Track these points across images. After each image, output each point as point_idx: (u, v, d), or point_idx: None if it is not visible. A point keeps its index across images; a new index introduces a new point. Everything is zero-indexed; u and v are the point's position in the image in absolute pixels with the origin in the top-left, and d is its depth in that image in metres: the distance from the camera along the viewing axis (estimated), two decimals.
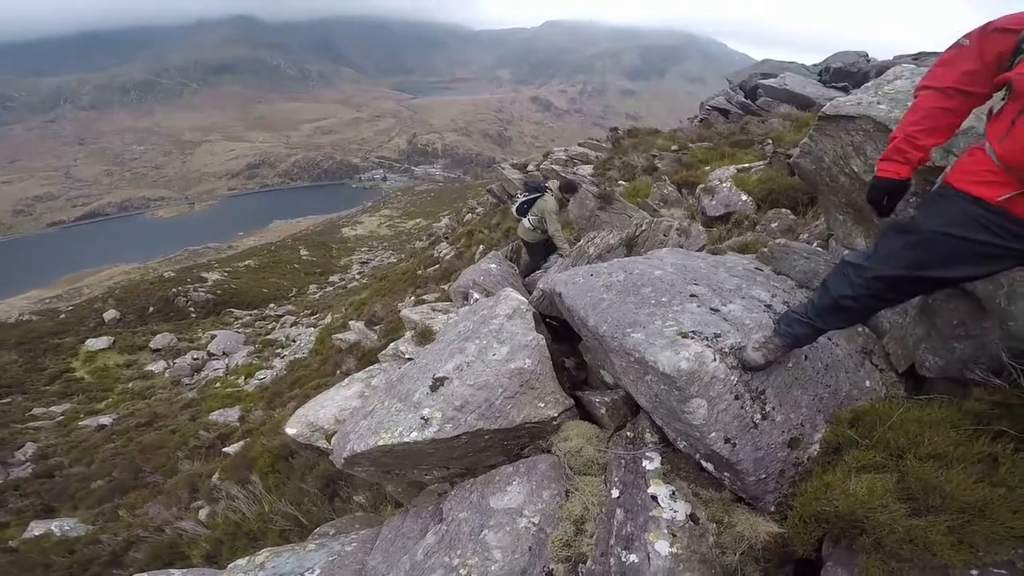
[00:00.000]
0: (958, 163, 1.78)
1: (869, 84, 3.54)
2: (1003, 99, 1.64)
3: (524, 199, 6.70)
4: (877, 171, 1.91)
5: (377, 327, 11.25)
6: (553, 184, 7.08)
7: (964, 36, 1.66)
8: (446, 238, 23.50)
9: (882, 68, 12.28)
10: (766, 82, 13.64)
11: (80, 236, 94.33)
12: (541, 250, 6.63)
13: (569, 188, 6.63)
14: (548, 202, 6.34)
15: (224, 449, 9.52)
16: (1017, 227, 1.58)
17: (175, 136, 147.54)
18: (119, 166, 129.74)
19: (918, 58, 13.92)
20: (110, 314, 28.69)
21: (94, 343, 24.49)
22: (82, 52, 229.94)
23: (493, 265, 5.15)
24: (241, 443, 8.99)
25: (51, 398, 20.06)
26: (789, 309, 2.13)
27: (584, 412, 2.87)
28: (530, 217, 6.55)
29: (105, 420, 17.10)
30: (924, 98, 1.76)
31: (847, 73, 14.09)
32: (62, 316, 30.89)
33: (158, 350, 23.77)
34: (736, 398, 2.05)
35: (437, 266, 16.08)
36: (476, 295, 4.36)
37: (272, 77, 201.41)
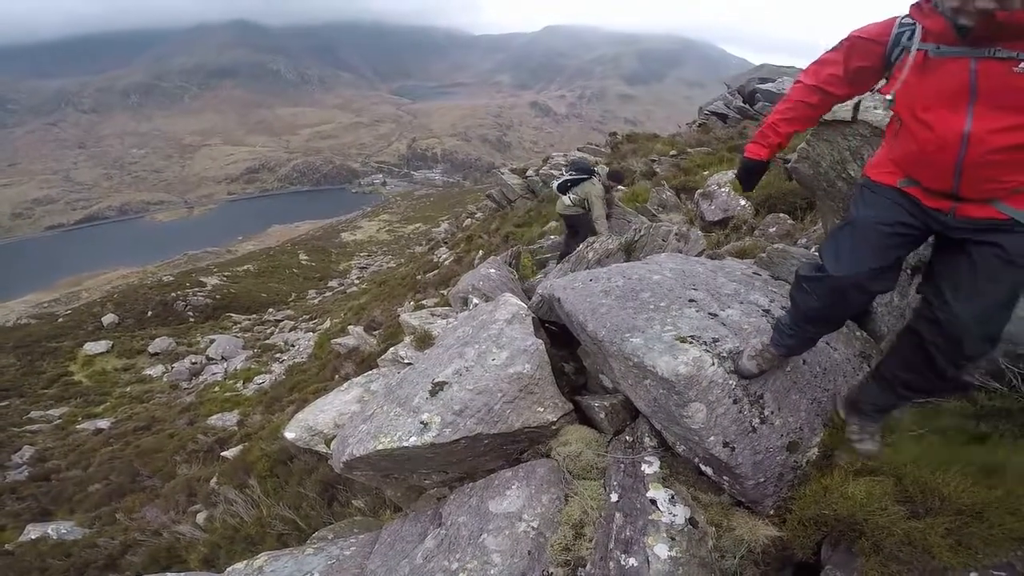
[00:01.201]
0: (871, 159, 1.92)
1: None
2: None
3: (568, 178, 6.69)
4: (744, 152, 2.08)
5: (376, 332, 11.25)
6: (602, 169, 7.07)
7: (843, 39, 1.78)
8: (445, 243, 23.52)
9: None
10: (764, 87, 13.70)
11: (79, 239, 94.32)
12: (578, 222, 6.62)
13: (616, 177, 6.66)
14: (596, 187, 6.37)
15: (222, 453, 9.51)
16: (915, 208, 1.69)
17: (175, 140, 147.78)
18: (119, 169, 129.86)
19: None
20: (108, 318, 28.64)
21: (92, 347, 24.45)
22: (83, 55, 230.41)
23: (492, 270, 5.16)
24: (239, 447, 8.97)
25: (49, 401, 20.03)
26: (779, 319, 2.14)
27: (583, 416, 2.87)
28: (571, 196, 6.57)
29: (103, 424, 17.06)
30: (795, 91, 1.93)
31: None
32: (60, 320, 30.84)
33: (156, 354, 23.74)
34: (735, 402, 2.06)
35: (436, 271, 16.07)
36: (475, 300, 4.36)
37: (272, 82, 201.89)
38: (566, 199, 6.63)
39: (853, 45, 1.73)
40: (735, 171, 2.17)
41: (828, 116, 3.36)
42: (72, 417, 18.27)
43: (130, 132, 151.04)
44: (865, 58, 1.71)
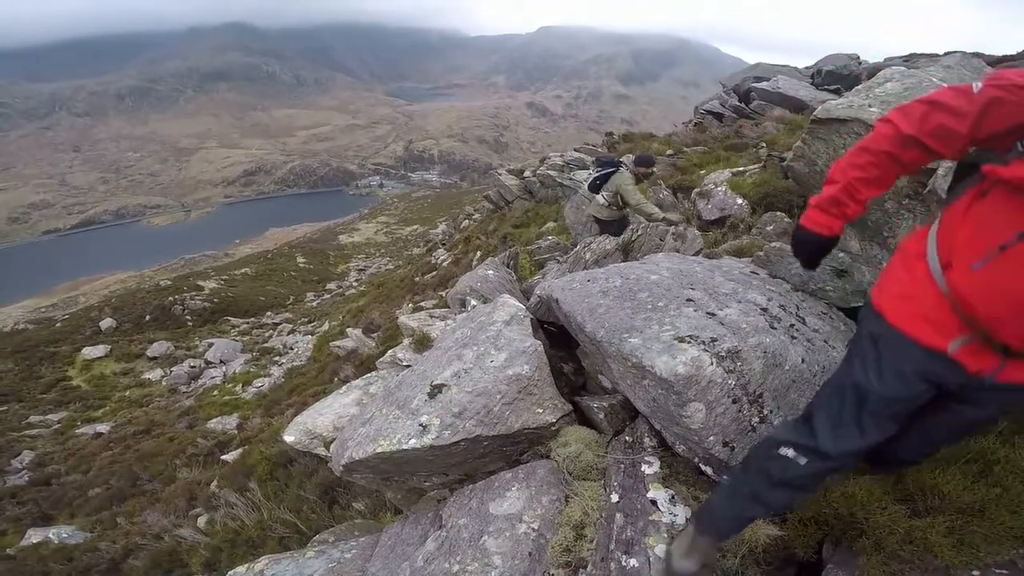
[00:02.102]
0: (891, 275, 1.42)
1: (860, 87, 3.58)
2: (965, 184, 1.30)
3: (596, 175, 6.24)
4: (806, 220, 1.52)
5: (375, 334, 11.24)
6: (628, 159, 6.64)
7: (981, 82, 1.20)
8: (443, 244, 23.51)
9: (873, 70, 12.31)
10: (759, 85, 13.67)
11: (76, 244, 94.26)
12: (615, 228, 6.05)
13: (645, 162, 6.12)
14: (624, 177, 5.90)
15: (222, 457, 9.49)
16: (950, 371, 1.29)
17: (171, 143, 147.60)
18: (114, 173, 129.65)
19: (909, 59, 13.99)
20: (106, 323, 28.57)
21: (90, 351, 24.40)
22: (77, 58, 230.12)
23: (490, 271, 5.16)
24: (239, 451, 8.97)
25: (48, 406, 20.00)
26: (707, 500, 1.77)
27: (583, 417, 2.87)
28: (604, 194, 6.12)
29: (102, 428, 17.05)
30: (882, 139, 1.34)
31: (839, 76, 14.12)
32: (58, 325, 30.74)
33: (155, 358, 23.68)
34: (734, 401, 2.06)
35: (434, 273, 16.08)
36: (474, 302, 4.36)
37: (268, 84, 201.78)
38: (599, 199, 6.19)
39: (1002, 99, 1.15)
40: (791, 246, 1.62)
41: (822, 114, 3.37)
42: (71, 422, 18.25)
43: (125, 136, 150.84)
44: (1012, 119, 1.15)
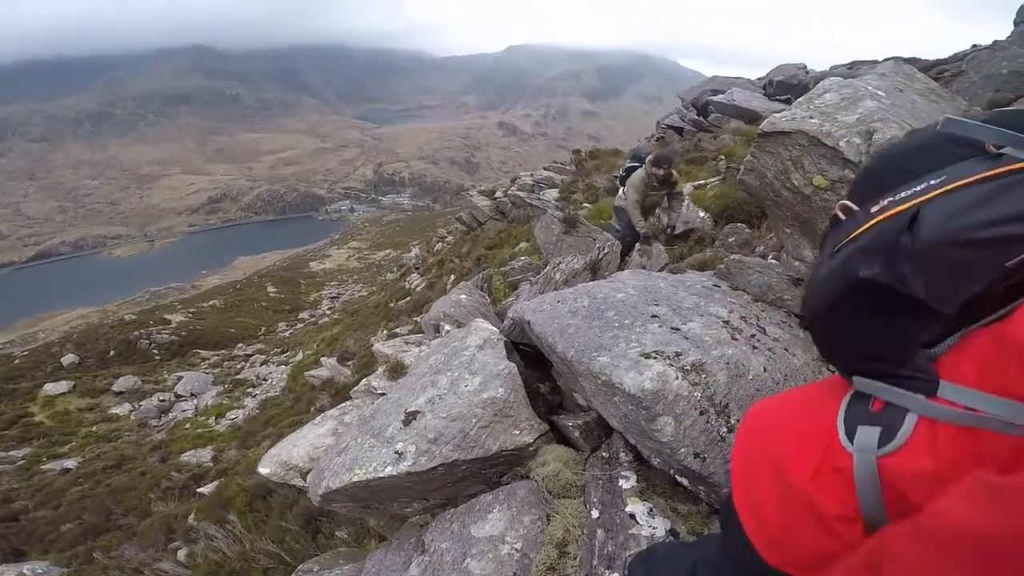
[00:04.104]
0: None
1: (801, 99, 3.75)
2: None
3: (624, 169, 6.39)
4: None
5: (350, 362, 11.12)
6: (651, 156, 6.37)
7: None
8: (417, 269, 23.44)
9: (819, 78, 12.82)
10: (715, 98, 13.93)
11: (33, 278, 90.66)
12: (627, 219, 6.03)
13: (661, 162, 5.77)
14: (636, 176, 5.86)
15: (198, 489, 9.38)
16: None
17: (132, 170, 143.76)
18: (72, 202, 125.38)
19: (852, 67, 14.67)
20: (68, 358, 27.71)
21: (53, 387, 23.66)
22: (32, 81, 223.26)
23: (463, 296, 5.19)
24: (216, 483, 8.84)
25: (10, 443, 19.32)
26: None
27: (560, 436, 2.91)
28: (622, 189, 6.29)
29: (70, 464, 16.62)
30: None
31: (789, 85, 14.57)
32: (16, 361, 29.55)
33: (121, 393, 23.06)
34: (701, 413, 2.13)
35: (409, 298, 16.00)
36: (447, 327, 4.39)
37: (231, 107, 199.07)
38: (620, 193, 6.40)
39: None
40: None
41: (767, 128, 3.53)
42: (36, 457, 17.72)
43: (84, 162, 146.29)
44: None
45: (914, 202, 0.83)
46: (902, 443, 0.80)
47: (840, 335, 0.95)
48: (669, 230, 5.75)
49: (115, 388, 23.42)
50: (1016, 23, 6.31)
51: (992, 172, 0.79)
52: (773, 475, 0.98)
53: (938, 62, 11.51)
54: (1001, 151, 0.82)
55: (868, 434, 0.85)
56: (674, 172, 5.64)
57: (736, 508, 1.04)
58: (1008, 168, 0.79)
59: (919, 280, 0.78)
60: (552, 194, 13.02)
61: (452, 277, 13.37)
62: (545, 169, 17.98)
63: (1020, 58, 5.38)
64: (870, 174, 1.04)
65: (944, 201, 0.80)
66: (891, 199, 0.88)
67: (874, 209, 0.90)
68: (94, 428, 20.24)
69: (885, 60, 11.36)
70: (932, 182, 0.84)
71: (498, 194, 18.46)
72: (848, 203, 0.98)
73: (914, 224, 0.80)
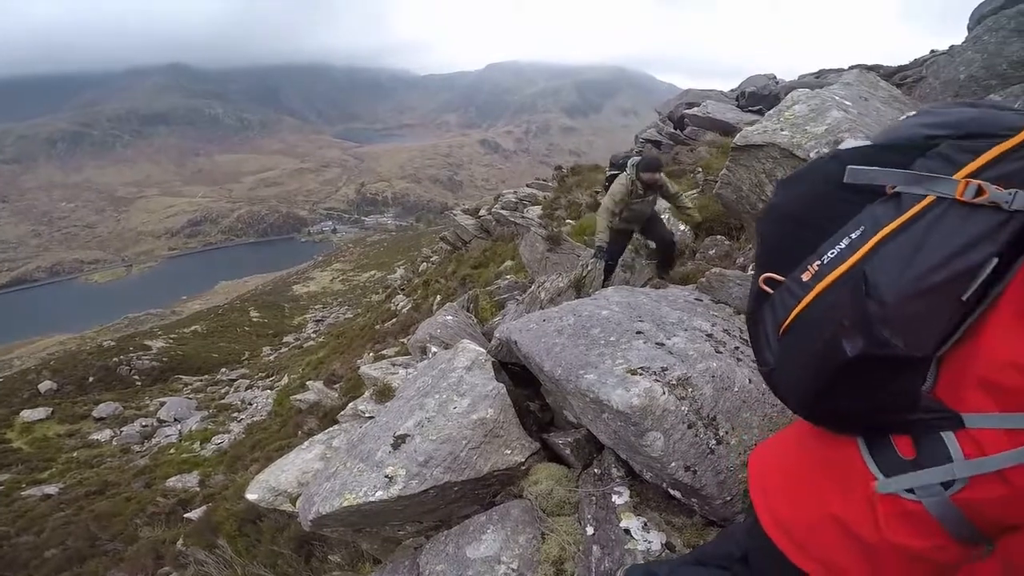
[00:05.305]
0: None
1: (772, 111, 3.84)
2: None
3: (608, 176, 5.62)
4: None
5: (337, 385, 11.01)
6: (635, 160, 5.51)
7: None
8: (402, 290, 23.35)
9: (789, 88, 13.04)
10: (691, 111, 13.93)
11: (7, 304, 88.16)
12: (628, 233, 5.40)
13: (647, 167, 5.07)
14: (616, 182, 5.14)
15: (186, 515, 9.23)
16: None
17: (108, 192, 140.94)
18: (47, 226, 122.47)
19: (819, 75, 15.07)
20: (45, 385, 27.11)
21: (30, 414, 23.18)
22: (3, 100, 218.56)
23: (449, 317, 5.19)
24: (203, 508, 8.70)
25: None
26: None
27: (552, 453, 2.91)
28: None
29: (50, 490, 16.30)
30: None
31: (760, 96, 14.64)
32: None
33: (102, 419, 22.66)
34: (689, 427, 2.15)
35: (395, 320, 15.93)
36: (434, 348, 4.38)
37: (210, 127, 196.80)
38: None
39: None
40: None
41: (740, 142, 3.63)
42: (15, 484, 17.28)
43: (58, 184, 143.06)
44: None
45: (850, 262, 0.83)
46: (967, 483, 0.80)
47: (839, 408, 0.93)
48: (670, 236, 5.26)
49: (95, 414, 23.05)
50: (969, 28, 6.54)
51: (906, 216, 0.81)
52: (837, 533, 0.95)
53: (900, 68, 11.89)
54: (895, 191, 0.83)
55: (925, 479, 0.84)
56: (661, 175, 5.17)
57: (807, 569, 1.00)
58: (918, 208, 0.81)
59: (899, 338, 0.79)
60: (535, 211, 13.12)
61: (438, 298, 13.34)
62: (528, 186, 18.15)
63: (976, 63, 5.56)
64: (776, 238, 1.00)
65: (882, 255, 0.81)
66: (819, 263, 0.87)
67: (804, 277, 0.88)
68: (75, 454, 19.86)
69: (850, 68, 11.70)
70: (853, 236, 0.84)
71: (482, 212, 18.55)
72: (771, 275, 0.95)
73: (867, 286, 0.80)
